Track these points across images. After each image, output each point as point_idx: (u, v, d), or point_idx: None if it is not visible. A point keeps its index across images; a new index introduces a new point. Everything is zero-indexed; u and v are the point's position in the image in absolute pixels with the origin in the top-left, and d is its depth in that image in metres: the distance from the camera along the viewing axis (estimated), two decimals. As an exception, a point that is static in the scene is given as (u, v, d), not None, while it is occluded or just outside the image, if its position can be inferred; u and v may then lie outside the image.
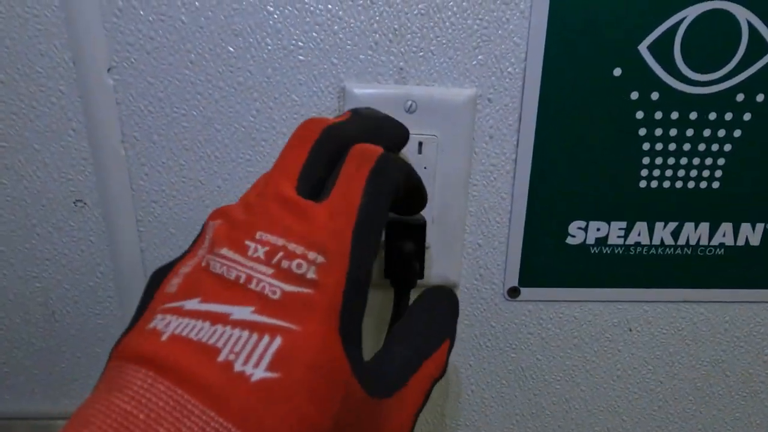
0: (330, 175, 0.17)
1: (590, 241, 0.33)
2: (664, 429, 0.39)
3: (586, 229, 0.33)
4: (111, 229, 0.32)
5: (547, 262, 0.34)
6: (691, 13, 0.29)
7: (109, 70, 0.29)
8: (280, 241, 0.15)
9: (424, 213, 0.31)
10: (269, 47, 0.29)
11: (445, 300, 0.22)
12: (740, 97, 0.30)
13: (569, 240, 0.33)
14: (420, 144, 0.30)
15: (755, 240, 0.34)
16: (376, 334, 0.35)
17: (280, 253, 0.15)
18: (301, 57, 0.29)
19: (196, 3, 0.28)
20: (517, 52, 0.30)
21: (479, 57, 0.30)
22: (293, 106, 0.30)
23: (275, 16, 0.28)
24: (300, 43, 0.29)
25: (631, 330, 0.36)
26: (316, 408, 0.13)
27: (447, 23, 0.29)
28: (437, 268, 0.33)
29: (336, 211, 0.16)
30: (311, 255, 0.15)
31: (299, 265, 0.15)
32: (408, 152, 0.30)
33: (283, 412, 0.12)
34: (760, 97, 0.31)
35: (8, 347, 0.35)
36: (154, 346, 0.13)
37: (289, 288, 0.14)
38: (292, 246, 0.15)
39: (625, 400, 0.38)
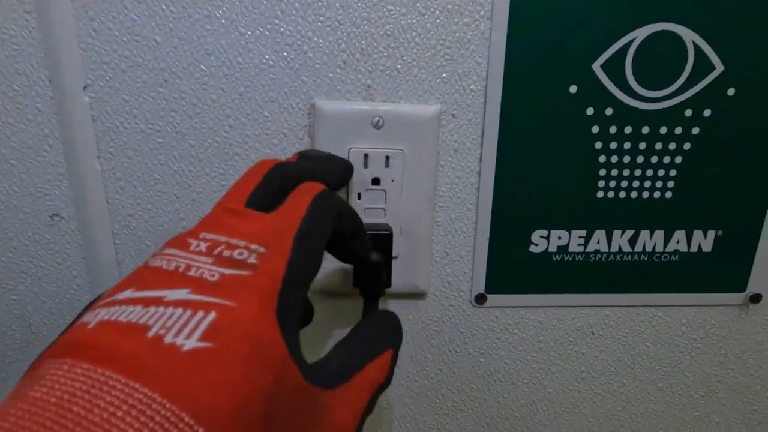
0: (277, 203, 0.18)
1: (552, 249, 0.35)
2: (628, 428, 0.41)
3: (548, 238, 0.35)
4: (87, 242, 0.33)
5: (511, 269, 0.35)
6: (641, 34, 0.31)
7: (84, 87, 0.30)
8: (223, 238, 0.15)
9: (392, 223, 0.32)
10: (241, 66, 0.30)
11: (388, 319, 0.23)
12: (688, 113, 0.32)
13: (532, 248, 0.35)
14: (387, 158, 0.31)
15: (707, 246, 0.36)
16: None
17: (222, 246, 0.15)
18: (272, 75, 0.30)
19: (170, 24, 0.29)
20: (479, 71, 0.31)
21: (443, 75, 0.31)
22: (265, 122, 0.31)
23: (247, 36, 0.30)
24: (271, 62, 0.30)
25: (593, 333, 0.38)
26: (248, 380, 0.12)
27: (412, 43, 0.30)
28: (406, 277, 0.34)
29: (280, 219, 0.17)
30: (253, 246, 0.15)
31: (240, 253, 0.15)
32: (375, 165, 0.31)
33: (213, 381, 0.12)
34: (707, 113, 0.32)
35: (-15, 359, 0.35)
36: (78, 335, 0.12)
37: (228, 271, 0.14)
38: (234, 240, 0.15)
39: (589, 402, 0.40)
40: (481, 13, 0.30)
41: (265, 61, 0.30)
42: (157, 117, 0.31)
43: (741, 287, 0.37)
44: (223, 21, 0.29)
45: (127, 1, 0.28)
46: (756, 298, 0.37)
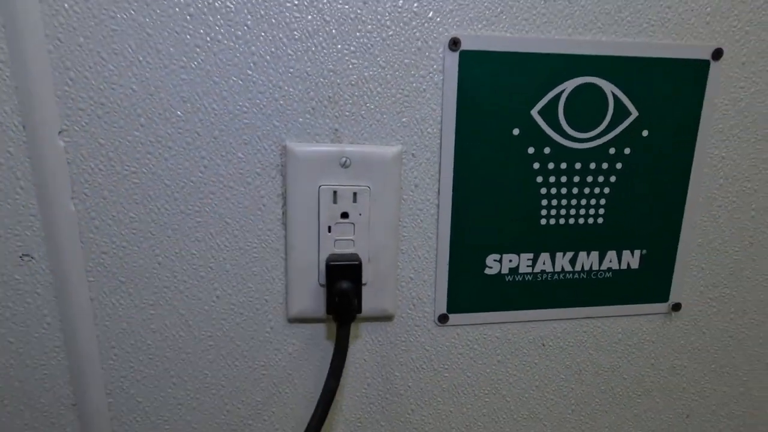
0: None
1: (505, 270, 0.39)
2: (578, 429, 0.45)
3: (500, 261, 0.39)
4: (59, 281, 0.33)
5: (470, 290, 0.39)
6: (569, 85, 0.36)
7: (60, 132, 0.31)
8: None
9: (361, 253, 0.35)
10: (216, 112, 0.32)
11: None
12: (612, 150, 0.38)
13: (487, 270, 0.39)
14: (354, 194, 0.34)
15: (635, 264, 0.41)
16: (320, 366, 0.38)
17: None
18: (245, 120, 0.33)
19: (147, 74, 0.31)
20: (434, 116, 0.35)
21: (403, 119, 0.35)
22: (239, 163, 0.33)
23: (221, 85, 0.32)
24: (245, 108, 0.33)
25: (544, 345, 0.42)
26: None
27: (374, 92, 0.34)
28: (375, 302, 0.37)
29: None
30: None
31: None
32: (344, 201, 0.34)
33: None
34: (627, 150, 0.38)
35: (-57, 405, 0.34)
36: None
37: None
38: None
39: (544, 407, 0.43)
40: (434, 66, 0.34)
41: (239, 107, 0.32)
42: (133, 159, 0.32)
43: (664, 298, 0.42)
44: (198, 71, 0.31)
45: (105, 53, 0.30)
46: (677, 307, 0.43)
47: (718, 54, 0.37)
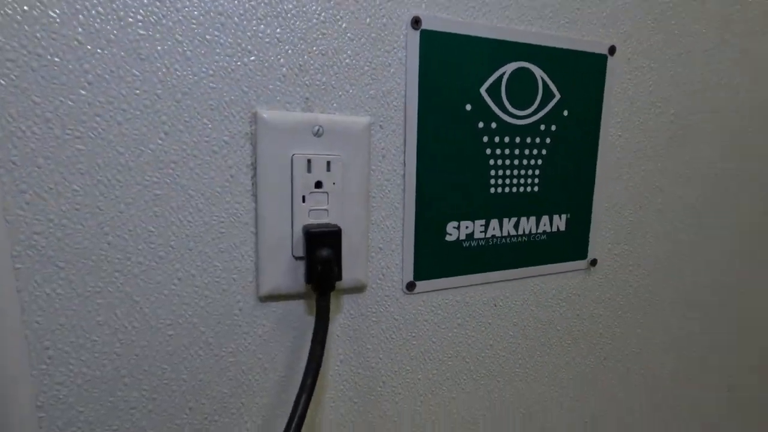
0: None
1: (462, 237, 0.42)
2: (524, 380, 0.50)
3: (459, 228, 0.42)
4: (-27, 270, 0.27)
5: (433, 257, 0.41)
6: (508, 69, 0.41)
7: (-22, 86, 0.26)
8: None
9: (335, 223, 0.35)
10: (178, 73, 0.30)
11: None
12: (542, 127, 0.44)
13: (447, 237, 0.42)
14: (328, 163, 0.34)
15: (562, 226, 0.48)
16: (291, 347, 0.37)
17: None
18: (212, 84, 0.31)
19: (96, 25, 0.27)
20: (398, 90, 0.37)
21: (371, 92, 0.36)
22: (204, 129, 0.31)
23: (185, 44, 0.30)
24: (211, 71, 0.31)
25: (496, 305, 0.46)
26: None
27: (343, 63, 0.35)
28: (349, 273, 0.37)
29: None
30: None
31: None
32: (318, 170, 0.34)
33: None
34: (553, 127, 0.44)
35: None
36: None
37: None
38: None
39: (497, 364, 0.47)
40: (398, 42, 0.36)
41: (204, 69, 0.31)
42: (78, 122, 0.28)
43: (584, 255, 0.50)
44: (158, 27, 0.29)
45: None
46: (594, 263, 0.51)
47: (612, 50, 0.46)
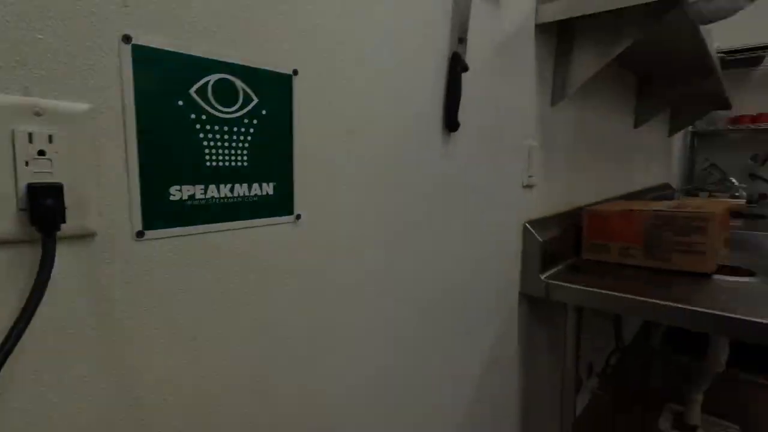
0: None
1: (185, 197, 0.58)
2: (245, 304, 0.69)
3: (181, 191, 0.58)
4: None
5: (159, 212, 0.56)
6: (212, 78, 0.59)
7: None
8: None
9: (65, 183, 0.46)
10: None
11: None
12: (246, 120, 0.63)
13: (171, 198, 0.57)
14: (50, 136, 0.45)
15: (270, 191, 0.68)
16: (29, 274, 0.46)
17: None
18: None
19: None
20: (117, 86, 0.50)
21: (90, 84, 0.48)
22: None
23: None
24: None
25: (218, 249, 0.63)
26: None
27: (61, 62, 0.46)
28: (77, 220, 0.48)
29: None
30: None
31: None
32: (39, 141, 0.45)
33: None
34: (255, 121, 0.64)
35: None
36: None
37: None
38: None
39: (219, 292, 0.65)
40: (113, 51, 0.49)
41: None
42: None
43: (291, 212, 0.72)
44: None
45: None
46: (299, 217, 0.73)
47: (296, 72, 0.69)
